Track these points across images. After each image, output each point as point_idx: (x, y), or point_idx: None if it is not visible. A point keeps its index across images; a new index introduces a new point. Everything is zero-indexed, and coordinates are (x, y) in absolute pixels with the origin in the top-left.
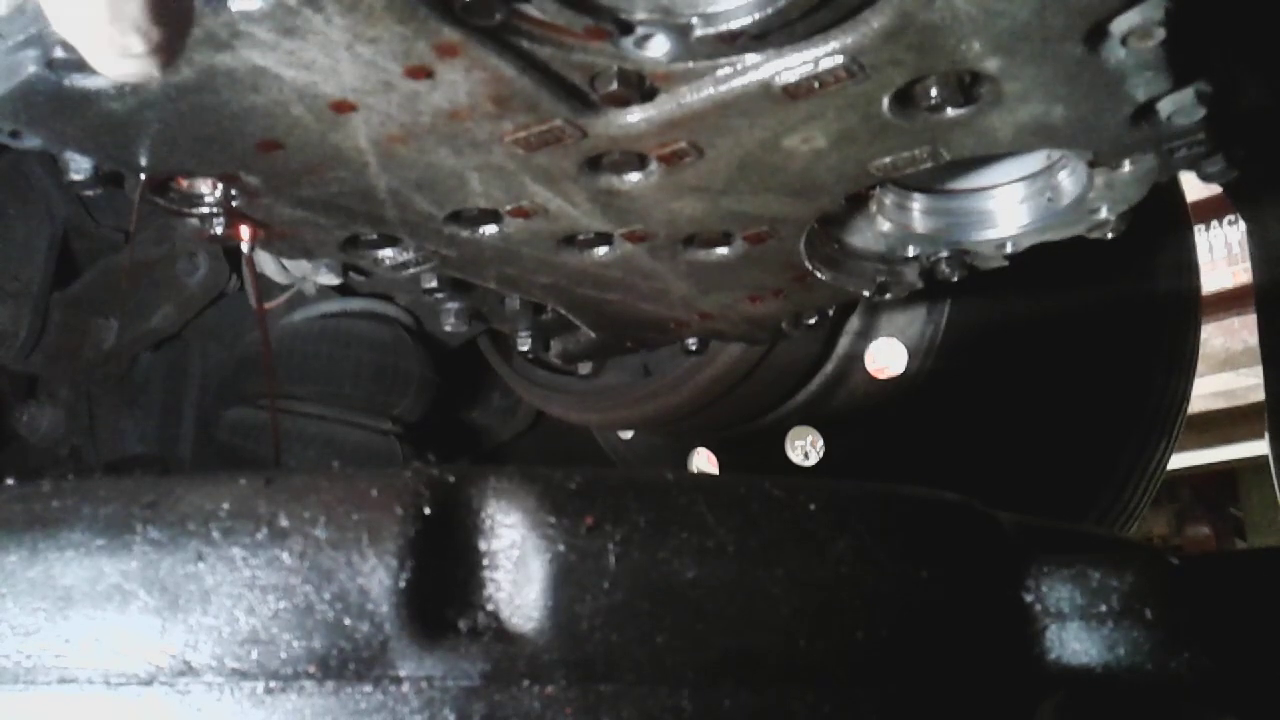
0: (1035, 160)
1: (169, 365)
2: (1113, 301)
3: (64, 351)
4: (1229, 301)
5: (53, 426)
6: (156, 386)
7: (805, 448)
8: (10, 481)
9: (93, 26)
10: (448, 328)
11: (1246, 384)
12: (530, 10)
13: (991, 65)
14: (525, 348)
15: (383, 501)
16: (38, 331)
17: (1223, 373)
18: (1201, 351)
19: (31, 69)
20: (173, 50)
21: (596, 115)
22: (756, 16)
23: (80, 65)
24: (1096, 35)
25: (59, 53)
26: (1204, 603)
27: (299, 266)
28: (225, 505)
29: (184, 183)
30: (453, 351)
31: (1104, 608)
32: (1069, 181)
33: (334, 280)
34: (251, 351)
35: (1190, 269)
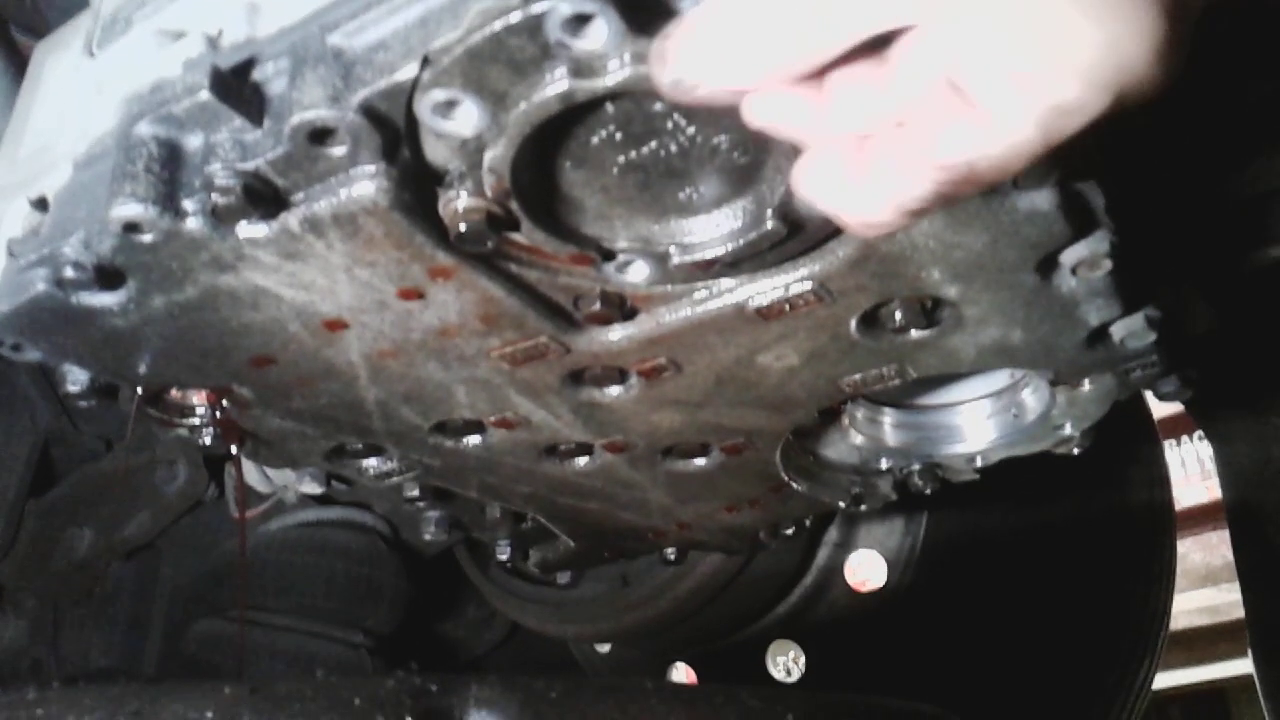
0: (1000, 378)
1: (139, 575)
2: (1087, 515)
3: (34, 560)
4: (1205, 516)
5: (15, 638)
6: (125, 597)
7: (787, 664)
8: None
9: None
10: (428, 537)
11: (1229, 599)
12: (519, 238)
13: (951, 291)
14: (504, 557)
15: (365, 710)
16: (9, 540)
17: (1204, 588)
18: (1181, 567)
19: (40, 286)
20: None
21: (580, 333)
22: (730, 247)
23: (86, 284)
24: (1048, 265)
25: (68, 272)
26: None
27: (282, 475)
28: (209, 713)
29: (177, 394)
30: (428, 562)
31: None
32: (1033, 399)
33: (317, 489)
34: (225, 561)
35: (1162, 482)
